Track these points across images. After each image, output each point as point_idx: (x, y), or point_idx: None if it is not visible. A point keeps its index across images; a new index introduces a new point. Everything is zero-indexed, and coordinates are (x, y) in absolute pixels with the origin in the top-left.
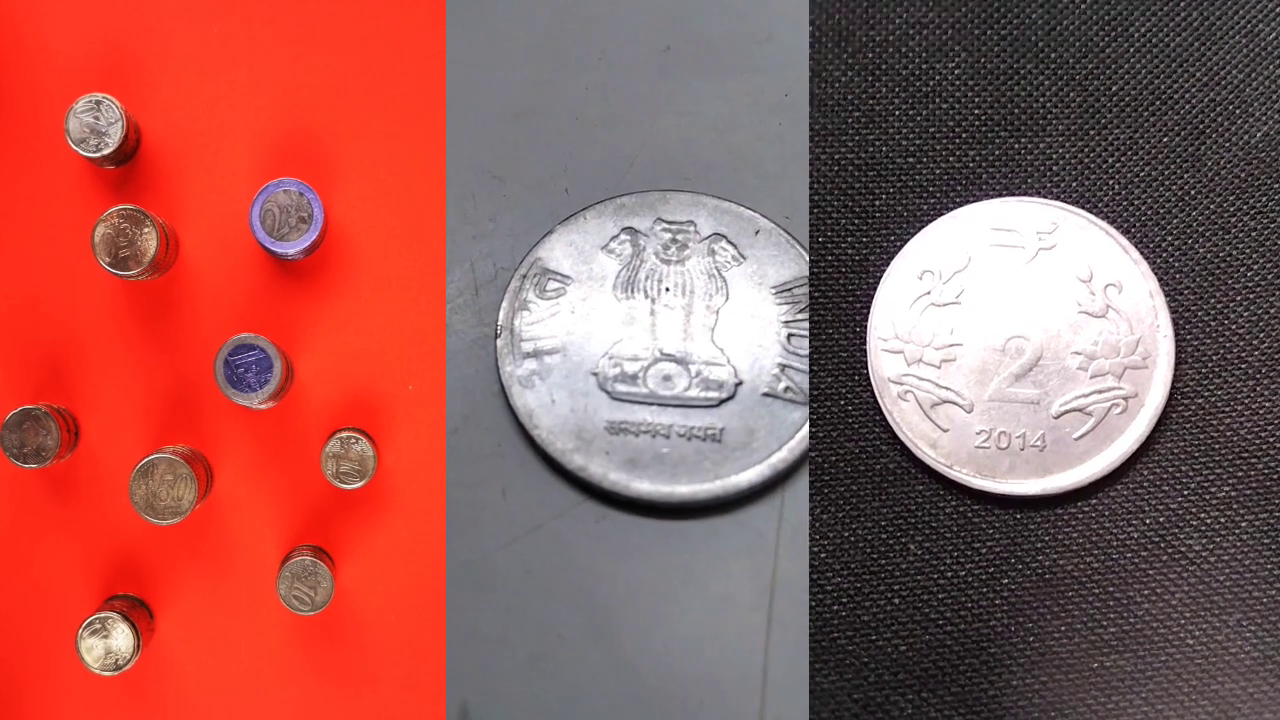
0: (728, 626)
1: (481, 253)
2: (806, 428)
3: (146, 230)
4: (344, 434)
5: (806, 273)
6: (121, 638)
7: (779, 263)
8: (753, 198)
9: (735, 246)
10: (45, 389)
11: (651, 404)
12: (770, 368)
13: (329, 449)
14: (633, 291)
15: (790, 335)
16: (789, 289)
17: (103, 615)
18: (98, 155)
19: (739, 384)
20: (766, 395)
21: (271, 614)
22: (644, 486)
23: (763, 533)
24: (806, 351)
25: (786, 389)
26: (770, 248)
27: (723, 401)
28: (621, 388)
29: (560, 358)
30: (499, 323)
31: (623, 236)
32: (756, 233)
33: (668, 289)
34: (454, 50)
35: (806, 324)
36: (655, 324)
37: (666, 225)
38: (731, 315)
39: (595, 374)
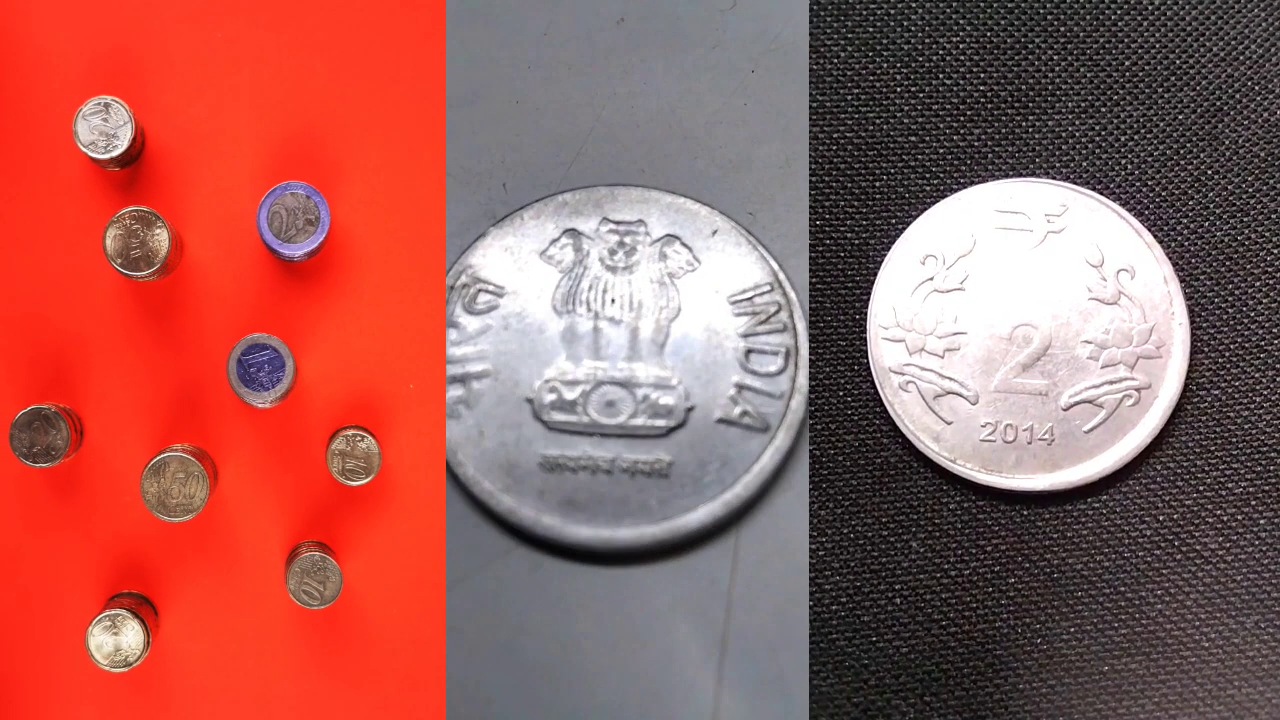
0: (675, 685)
1: None
2: (765, 460)
3: (158, 231)
4: (349, 431)
5: (768, 279)
6: (132, 635)
7: (738, 268)
8: (711, 191)
9: (690, 249)
10: (49, 389)
11: (592, 434)
12: (726, 390)
13: (335, 446)
14: (574, 305)
15: (749, 351)
16: (749, 298)
17: (113, 613)
18: (108, 157)
19: (690, 409)
20: (721, 422)
21: (276, 610)
22: (582, 531)
23: (714, 579)
24: (767, 370)
25: (743, 414)
26: (729, 250)
27: (671, 430)
28: (559, 416)
29: (491, 382)
30: None
31: (564, 240)
32: (713, 233)
33: (613, 301)
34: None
35: (768, 338)
36: (598, 342)
37: (614, 226)
38: (683, 330)
39: (530, 400)
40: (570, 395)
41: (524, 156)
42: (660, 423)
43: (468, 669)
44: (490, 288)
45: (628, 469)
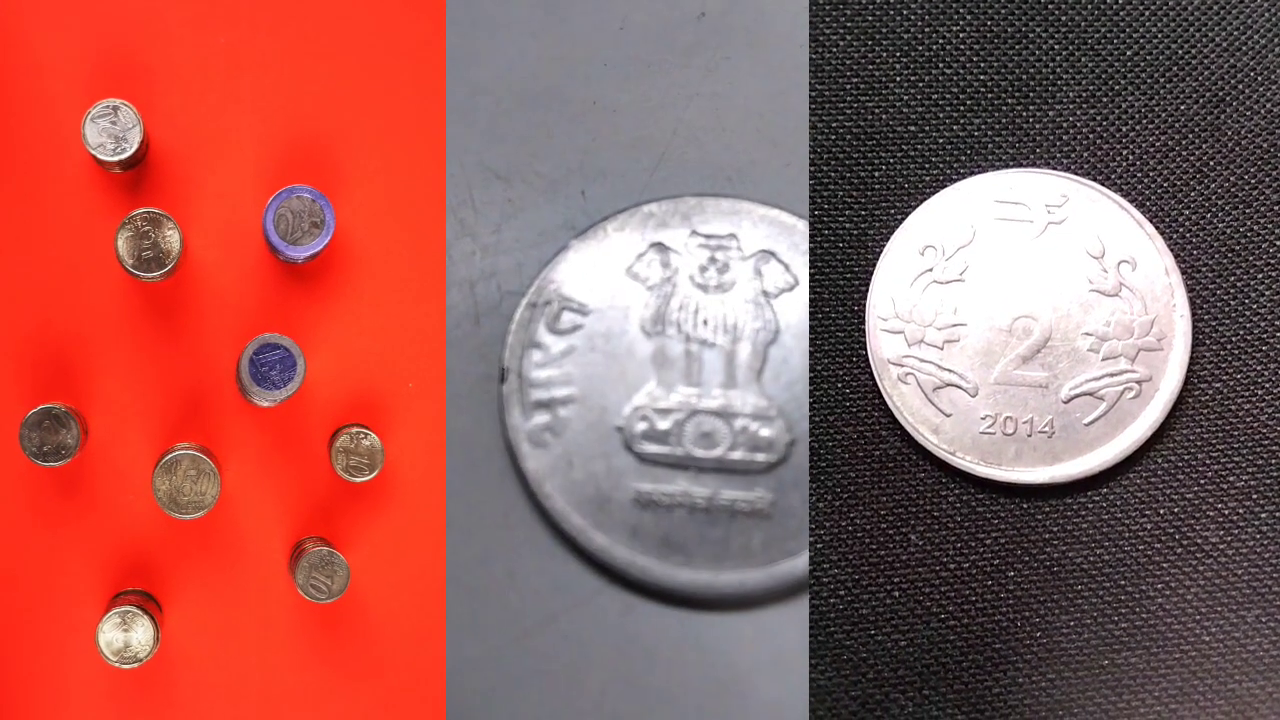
0: None
1: (483, 272)
2: None
3: (169, 233)
4: (353, 429)
5: None
6: (142, 632)
7: None
8: (806, 202)
9: (786, 266)
10: (53, 388)
11: (688, 468)
12: None
13: (339, 444)
14: (663, 326)
15: None
16: None
17: (124, 609)
18: (116, 159)
19: (791, 443)
20: None
21: (280, 605)
22: (681, 574)
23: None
24: None
25: None
26: None
27: (772, 466)
28: (651, 448)
29: (577, 408)
30: (504, 364)
31: (650, 255)
32: None
33: (705, 322)
34: (454, 29)
35: None
36: (691, 367)
37: (703, 240)
38: (782, 354)
39: (620, 429)
40: (663, 425)
41: (603, 161)
42: (760, 457)
43: (556, 716)
44: (574, 306)
45: (727, 508)
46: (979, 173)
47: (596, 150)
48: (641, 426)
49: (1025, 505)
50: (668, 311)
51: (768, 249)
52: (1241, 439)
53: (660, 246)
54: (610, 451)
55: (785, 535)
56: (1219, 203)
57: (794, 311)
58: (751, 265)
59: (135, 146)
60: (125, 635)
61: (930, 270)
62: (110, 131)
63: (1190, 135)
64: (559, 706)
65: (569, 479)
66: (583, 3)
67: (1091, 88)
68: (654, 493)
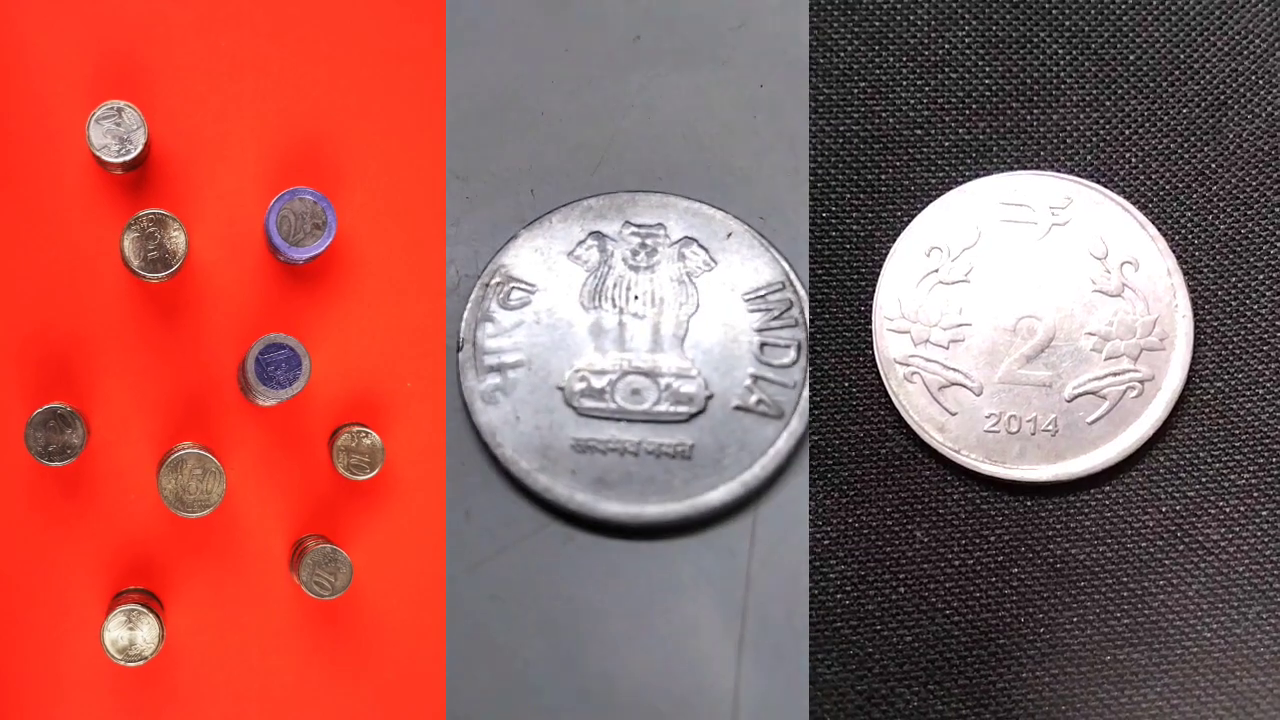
0: (698, 651)
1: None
2: (780, 444)
3: (174, 234)
4: (354, 428)
5: (780, 278)
6: (147, 630)
7: (751, 268)
8: (725, 197)
9: (706, 250)
10: (53, 388)
11: (620, 420)
12: (742, 380)
13: (341, 442)
14: (600, 301)
15: (763, 345)
16: (761, 295)
17: (129, 608)
18: (122, 160)
19: (709, 397)
20: (738, 409)
21: (281, 603)
22: (612, 507)
23: (734, 553)
24: (780, 362)
25: (759, 402)
26: (743, 251)
27: (693, 416)
28: (588, 403)
29: (524, 371)
30: (460, 335)
31: (589, 242)
32: (728, 236)
33: (636, 298)
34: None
35: (780, 333)
36: (623, 335)
37: (635, 229)
38: (702, 324)
39: (561, 388)
40: (598, 384)
41: (550, 164)
42: (682, 409)
43: (506, 635)
44: (522, 285)
45: (653, 451)
46: (984, 175)
47: (544, 154)
48: (580, 386)
49: (1029, 503)
50: (604, 289)
51: (690, 236)
52: (1243, 438)
53: (598, 234)
54: (553, 407)
55: (702, 474)
56: (1220, 205)
57: (713, 289)
58: (676, 250)
59: (139, 148)
60: (130, 633)
61: (936, 271)
62: (114, 133)
63: (1192, 138)
64: (509, 625)
65: (517, 430)
66: (532, 27)
67: (1095, 91)
68: (590, 440)
